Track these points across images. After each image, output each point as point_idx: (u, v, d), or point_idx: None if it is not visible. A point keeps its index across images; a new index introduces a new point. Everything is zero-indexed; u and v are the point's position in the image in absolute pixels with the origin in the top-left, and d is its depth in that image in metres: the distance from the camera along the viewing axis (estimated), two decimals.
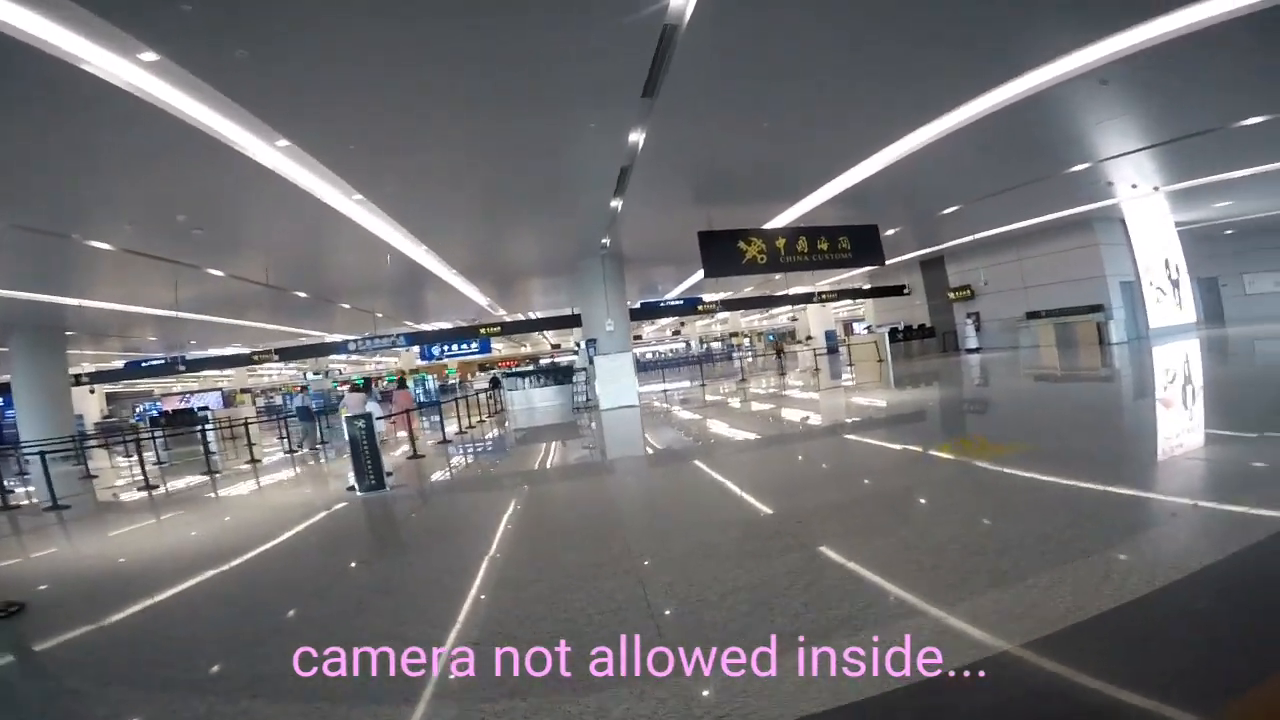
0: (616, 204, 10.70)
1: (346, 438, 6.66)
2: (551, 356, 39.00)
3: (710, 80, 6.39)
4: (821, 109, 7.58)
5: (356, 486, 6.74)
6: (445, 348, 22.17)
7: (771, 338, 47.26)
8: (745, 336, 47.64)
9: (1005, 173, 11.81)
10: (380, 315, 19.78)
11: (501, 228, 11.94)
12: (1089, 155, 11.07)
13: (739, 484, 5.66)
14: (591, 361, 15.16)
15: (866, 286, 25.12)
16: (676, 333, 43.38)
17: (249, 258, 11.49)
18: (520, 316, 25.23)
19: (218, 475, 10.26)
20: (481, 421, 15.44)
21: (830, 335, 28.79)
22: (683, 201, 11.29)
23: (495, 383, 20.44)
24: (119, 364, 21.89)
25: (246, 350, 21.77)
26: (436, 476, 8.30)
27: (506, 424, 14.73)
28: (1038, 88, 7.40)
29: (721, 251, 11.81)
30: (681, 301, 23.65)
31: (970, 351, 19.70)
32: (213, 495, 8.69)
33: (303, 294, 15.12)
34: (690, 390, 18.46)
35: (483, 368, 40.29)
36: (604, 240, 13.48)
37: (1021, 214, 15.75)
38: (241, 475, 10.32)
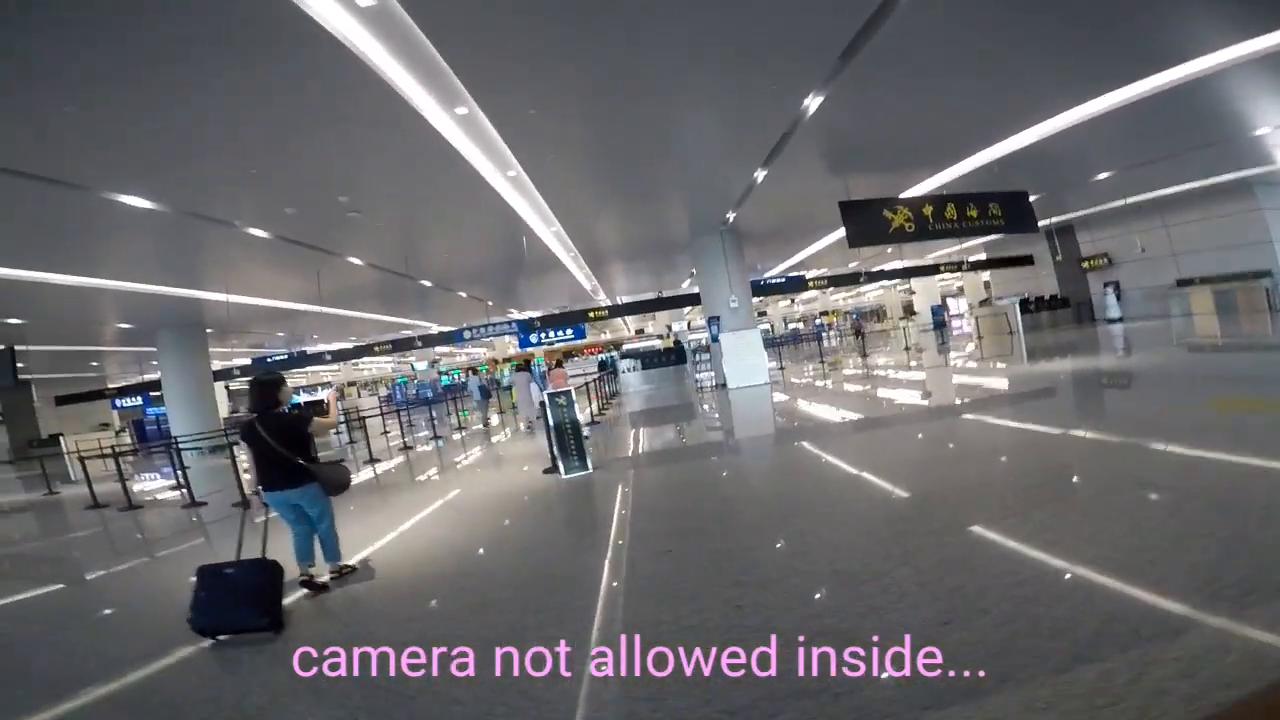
0: (760, 174, 10.27)
1: (549, 419, 6.41)
2: (633, 340, 38.77)
3: (913, 45, 6.17)
4: (1003, 78, 7.51)
5: (561, 469, 6.46)
6: (542, 335, 22.23)
7: (855, 316, 45.70)
8: (834, 316, 46.27)
9: (1174, 140, 11.15)
10: (491, 303, 19.99)
11: (640, 203, 11.69)
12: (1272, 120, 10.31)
13: (927, 454, 5.22)
14: (715, 339, 14.79)
15: (974, 259, 23.58)
16: (762, 314, 42.43)
17: (391, 243, 11.62)
18: (608, 301, 25.05)
19: (379, 463, 10.41)
20: (612, 402, 15.44)
21: (936, 310, 27.37)
22: (820, 171, 10.85)
23: (603, 365, 20.44)
24: (245, 361, 22.97)
25: (358, 343, 22.54)
26: (623, 455, 8.04)
27: (629, 405, 14.60)
28: (1233, 61, 7.28)
29: (866, 220, 11.18)
30: (783, 279, 22.82)
31: (1112, 321, 18.18)
32: (400, 483, 8.75)
33: (427, 282, 15.32)
34: (807, 369, 17.82)
35: (566, 355, 40.51)
36: (729, 215, 13.06)
37: (1172, 179, 14.65)
38: (408, 460, 10.46)
